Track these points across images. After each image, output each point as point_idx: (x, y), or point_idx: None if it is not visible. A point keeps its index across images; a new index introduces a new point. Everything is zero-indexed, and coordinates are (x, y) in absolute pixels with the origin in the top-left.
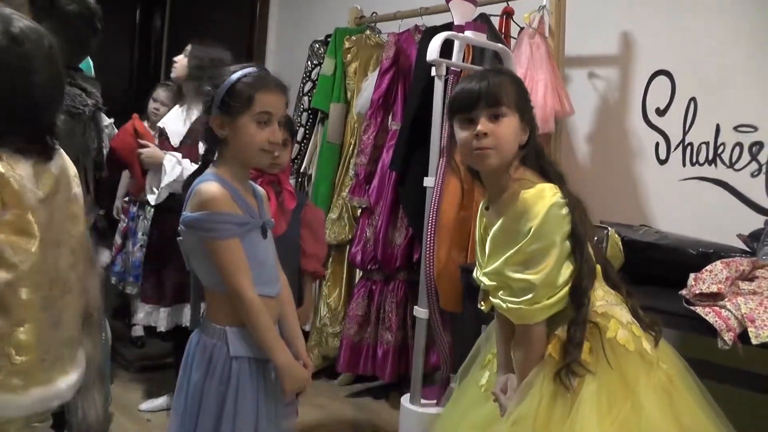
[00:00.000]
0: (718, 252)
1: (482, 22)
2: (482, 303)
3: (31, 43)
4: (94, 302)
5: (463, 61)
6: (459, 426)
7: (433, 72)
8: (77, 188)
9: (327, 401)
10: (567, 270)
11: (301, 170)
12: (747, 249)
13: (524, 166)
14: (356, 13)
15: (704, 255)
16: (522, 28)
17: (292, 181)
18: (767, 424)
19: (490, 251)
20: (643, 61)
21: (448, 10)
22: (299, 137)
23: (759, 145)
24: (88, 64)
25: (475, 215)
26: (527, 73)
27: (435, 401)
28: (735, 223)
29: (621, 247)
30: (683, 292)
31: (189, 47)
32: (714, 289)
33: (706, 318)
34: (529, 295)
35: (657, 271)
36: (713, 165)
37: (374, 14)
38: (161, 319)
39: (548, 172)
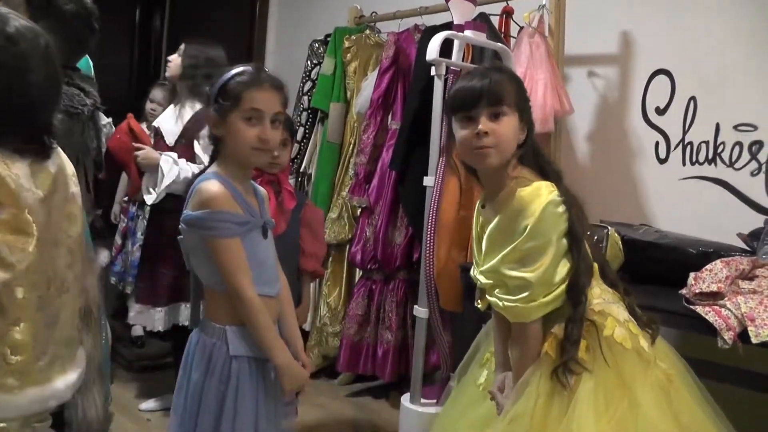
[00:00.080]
0: (718, 251)
1: (482, 22)
2: (479, 301)
3: (27, 42)
4: (94, 300)
5: (463, 60)
6: (457, 425)
7: (433, 71)
8: (75, 187)
9: (327, 401)
10: (563, 268)
11: (301, 170)
12: (747, 248)
13: (522, 164)
14: (356, 12)
15: (704, 254)
16: (522, 28)
17: (291, 181)
18: (767, 423)
19: (486, 249)
20: (642, 60)
21: (447, 9)
22: (299, 137)
23: (759, 144)
24: (88, 64)
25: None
26: (527, 73)
27: (435, 401)
28: (735, 222)
29: (621, 246)
30: (683, 291)
31: (183, 46)
32: (714, 288)
33: (706, 317)
34: (525, 293)
35: (657, 271)
36: (713, 164)
37: (374, 14)
38: (156, 319)
39: (546, 171)
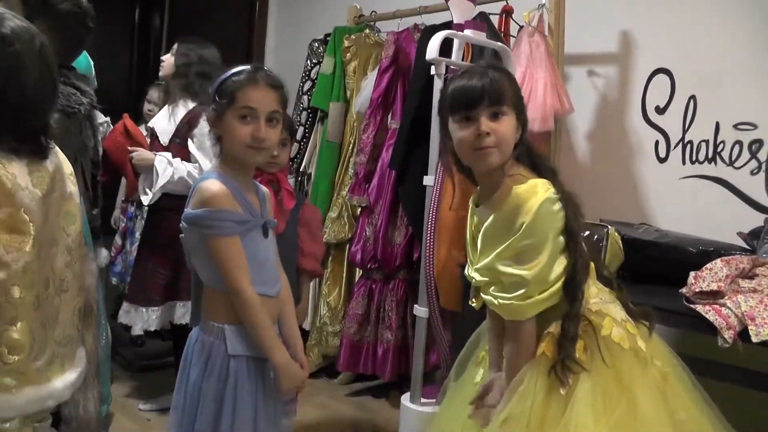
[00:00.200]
0: (718, 250)
1: (481, 21)
2: (474, 300)
3: (22, 42)
4: (93, 298)
5: (463, 59)
6: (454, 424)
7: (433, 71)
8: (73, 187)
9: (327, 400)
10: (559, 266)
11: (301, 169)
12: (747, 247)
13: (518, 163)
14: (355, 11)
15: (704, 253)
16: (521, 27)
17: (291, 181)
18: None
19: (481, 247)
20: (642, 59)
21: (447, 8)
22: (299, 136)
23: (758, 143)
24: (89, 64)
25: None
26: (527, 72)
27: (435, 400)
28: (735, 221)
29: (621, 245)
30: (683, 290)
31: (176, 46)
32: (714, 287)
33: (707, 316)
34: (521, 291)
35: (657, 270)
36: (713, 163)
37: (373, 13)
38: (146, 319)
39: (541, 168)
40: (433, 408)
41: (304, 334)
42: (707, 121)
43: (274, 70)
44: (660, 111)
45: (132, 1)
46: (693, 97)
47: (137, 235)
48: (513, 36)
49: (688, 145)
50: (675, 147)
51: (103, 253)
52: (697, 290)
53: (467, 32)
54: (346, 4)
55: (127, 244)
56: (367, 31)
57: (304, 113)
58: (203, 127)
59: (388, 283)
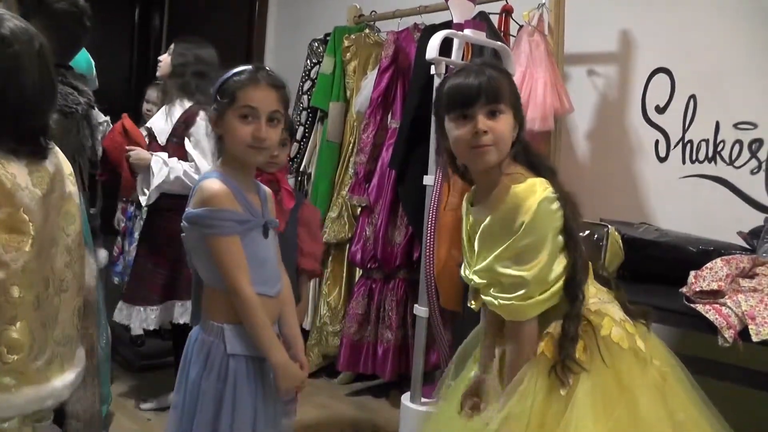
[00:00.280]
0: (719, 249)
1: (481, 20)
2: (473, 302)
3: (21, 43)
4: (93, 298)
5: (463, 59)
6: (452, 423)
7: (433, 70)
8: (72, 187)
9: (327, 400)
10: (559, 266)
11: (301, 169)
12: (747, 246)
13: (515, 162)
14: (355, 11)
15: (704, 252)
16: (521, 26)
17: (291, 181)
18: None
19: (479, 248)
20: (642, 58)
21: (447, 8)
22: (299, 136)
23: (759, 142)
24: (90, 64)
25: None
26: (526, 71)
27: (435, 400)
28: (735, 220)
29: (621, 245)
30: (683, 289)
31: (172, 45)
32: (714, 286)
33: (707, 315)
34: (521, 291)
35: (657, 269)
36: (713, 162)
37: (373, 13)
38: (139, 318)
39: (539, 167)
40: (433, 408)
41: (304, 334)
42: (707, 120)
43: (274, 70)
44: (660, 110)
45: (132, 1)
46: (693, 96)
47: (136, 235)
48: (513, 35)
49: (688, 145)
50: (675, 146)
51: (103, 253)
52: (697, 290)
53: (467, 32)
54: (346, 4)
55: (125, 244)
56: (366, 30)
57: (304, 113)
58: (200, 126)
59: (388, 282)
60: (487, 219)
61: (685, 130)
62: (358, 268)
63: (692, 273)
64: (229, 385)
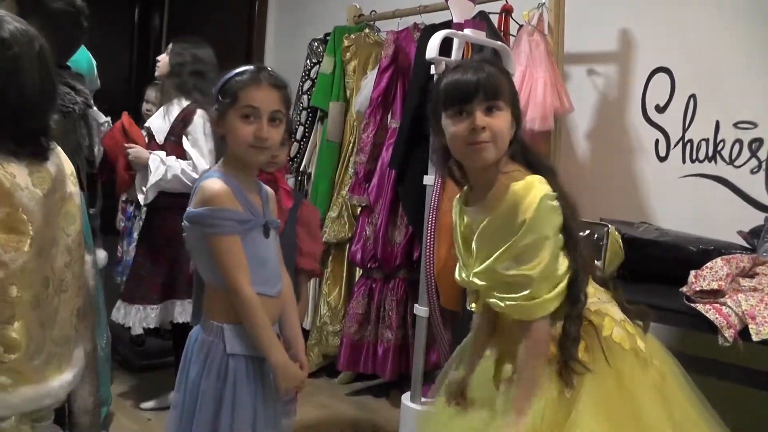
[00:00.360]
0: (719, 249)
1: (481, 20)
2: (472, 305)
3: (21, 45)
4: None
5: (462, 59)
6: (452, 423)
7: (432, 70)
8: (73, 187)
9: (327, 400)
10: (564, 263)
11: (301, 169)
12: (747, 246)
13: (512, 160)
14: (355, 11)
15: (704, 252)
16: (521, 26)
17: (291, 180)
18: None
19: (478, 249)
20: (642, 58)
21: (447, 8)
22: (299, 136)
23: (759, 141)
24: (90, 64)
25: None
26: (526, 71)
27: (434, 399)
28: (735, 219)
29: (621, 244)
30: (684, 289)
31: (170, 45)
32: (714, 286)
33: (707, 315)
34: (527, 291)
35: (657, 269)
36: (713, 162)
37: (373, 12)
38: (150, 317)
39: (537, 166)
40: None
41: (304, 334)
42: (707, 119)
43: (274, 70)
44: (660, 110)
45: (131, 1)
46: (693, 95)
47: (135, 235)
48: (513, 35)
49: (688, 144)
50: (675, 146)
51: (103, 253)
52: (697, 289)
53: (467, 31)
54: (345, 4)
55: (124, 244)
56: (366, 30)
57: (304, 113)
58: (197, 124)
59: (389, 282)
60: (486, 220)
61: (685, 130)
62: (358, 268)
63: (692, 272)
64: (229, 385)
